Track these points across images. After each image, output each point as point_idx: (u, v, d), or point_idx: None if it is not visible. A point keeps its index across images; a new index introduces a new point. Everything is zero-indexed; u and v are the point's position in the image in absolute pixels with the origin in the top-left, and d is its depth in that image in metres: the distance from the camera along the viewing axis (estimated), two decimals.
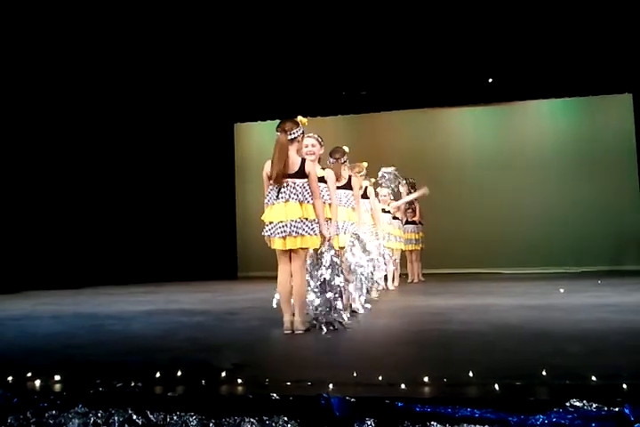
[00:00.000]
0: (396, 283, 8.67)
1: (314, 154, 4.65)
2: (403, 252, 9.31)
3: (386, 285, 8.09)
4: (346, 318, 4.12)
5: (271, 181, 4.18)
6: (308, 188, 4.16)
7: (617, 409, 2.00)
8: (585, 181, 12.78)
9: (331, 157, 5.36)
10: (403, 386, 2.31)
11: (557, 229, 12.69)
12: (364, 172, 6.58)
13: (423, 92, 12.27)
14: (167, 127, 12.92)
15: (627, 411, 2.00)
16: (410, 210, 10.04)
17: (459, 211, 13.16)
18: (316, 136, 4.74)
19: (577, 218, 12.64)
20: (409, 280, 9.80)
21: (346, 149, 5.54)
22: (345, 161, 5.44)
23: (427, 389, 2.31)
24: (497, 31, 9.99)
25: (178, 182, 13.05)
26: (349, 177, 5.58)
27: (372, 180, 7.98)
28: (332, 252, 4.20)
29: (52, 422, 2.35)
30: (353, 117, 13.48)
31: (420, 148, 13.73)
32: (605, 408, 2.01)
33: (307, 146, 4.63)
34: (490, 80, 11.77)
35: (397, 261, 8.76)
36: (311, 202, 4.15)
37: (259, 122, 13.87)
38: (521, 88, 11.95)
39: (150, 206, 12.54)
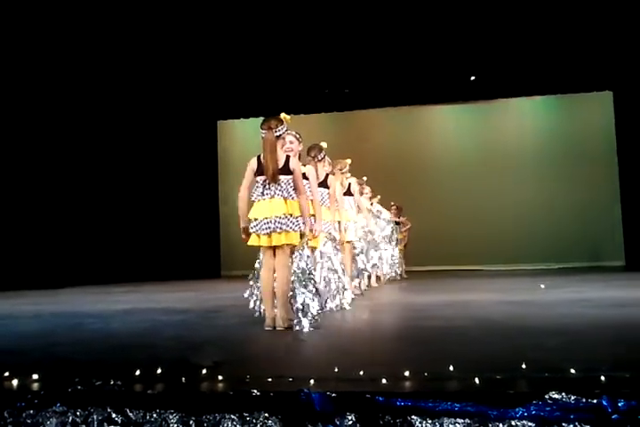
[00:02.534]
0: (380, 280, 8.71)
1: (292, 151, 4.64)
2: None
3: (369, 282, 8.12)
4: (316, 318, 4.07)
5: (257, 178, 4.18)
6: (292, 184, 4.17)
7: (595, 401, 2.01)
8: (565, 178, 12.90)
9: (307, 155, 5.29)
10: (384, 381, 2.31)
11: (538, 226, 12.81)
12: (347, 168, 6.55)
13: (406, 90, 12.31)
14: (149, 125, 12.83)
15: (604, 402, 2.02)
16: (394, 207, 10.06)
17: (440, 208, 13.22)
18: (293, 133, 4.74)
19: (557, 215, 12.77)
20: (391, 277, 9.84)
21: (323, 144, 5.46)
22: (322, 158, 5.35)
23: (408, 383, 2.31)
24: (479, 29, 10.04)
25: (160, 180, 12.96)
26: (326, 175, 5.54)
27: (365, 178, 7.98)
28: (307, 251, 4.20)
29: (29, 421, 2.31)
30: (336, 115, 13.49)
31: (403, 145, 13.77)
32: (584, 400, 2.02)
33: (285, 143, 4.63)
34: (472, 78, 11.84)
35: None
36: (296, 198, 4.16)
37: (241, 119, 13.83)
38: (502, 86, 12.03)
39: (132, 205, 12.44)
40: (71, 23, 9.49)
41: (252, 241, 4.18)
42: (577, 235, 12.53)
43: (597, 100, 12.77)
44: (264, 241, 4.10)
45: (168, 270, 12.17)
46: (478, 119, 13.89)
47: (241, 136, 14.08)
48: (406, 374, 2.37)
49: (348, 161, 6.61)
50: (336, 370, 2.48)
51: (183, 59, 11.00)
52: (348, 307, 5.31)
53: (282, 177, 4.14)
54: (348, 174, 6.72)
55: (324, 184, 5.46)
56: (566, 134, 13.17)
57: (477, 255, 12.74)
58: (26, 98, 10.52)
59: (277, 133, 4.20)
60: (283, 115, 4.37)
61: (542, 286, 6.81)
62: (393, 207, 10.25)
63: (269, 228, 4.06)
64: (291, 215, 4.10)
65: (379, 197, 9.18)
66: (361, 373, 2.42)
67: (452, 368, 2.42)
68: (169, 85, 12.05)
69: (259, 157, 4.23)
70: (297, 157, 4.76)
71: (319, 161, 5.28)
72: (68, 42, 10.02)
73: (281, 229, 4.06)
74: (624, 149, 12.04)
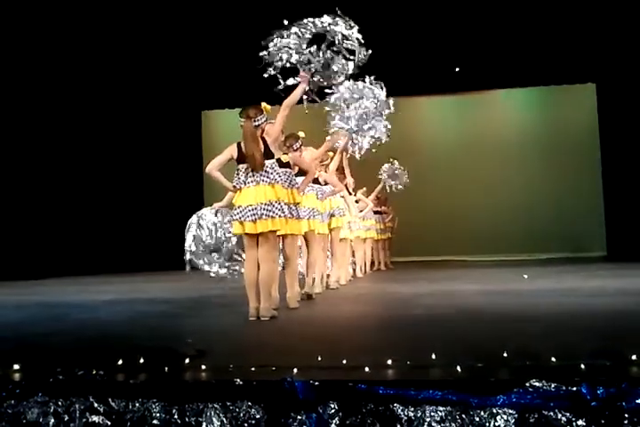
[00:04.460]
0: (365, 270, 8.74)
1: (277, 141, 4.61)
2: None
3: (354, 272, 8.14)
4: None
5: (239, 166, 4.14)
6: (277, 168, 4.14)
7: (575, 388, 2.04)
8: (548, 169, 13.00)
9: (284, 144, 5.21)
10: (366, 369, 2.32)
11: (521, 216, 12.91)
12: (328, 160, 6.52)
13: (389, 81, 12.26)
14: (133, 116, 12.70)
15: (584, 390, 2.04)
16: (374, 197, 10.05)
17: (425, 199, 13.26)
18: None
19: (540, 206, 12.87)
20: (375, 268, 9.88)
21: (301, 134, 5.39)
22: (298, 148, 5.26)
23: (390, 372, 2.33)
24: (464, 21, 10.05)
25: (145, 171, 12.86)
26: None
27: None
28: None
29: (10, 411, 2.30)
30: (319, 106, 13.42)
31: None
32: (564, 388, 2.05)
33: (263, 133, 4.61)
34: (457, 69, 11.85)
35: (367, 249, 8.84)
36: (280, 182, 4.11)
37: (226, 109, 13.71)
38: (487, 77, 12.06)
39: (117, 196, 12.34)
40: (55, 15, 9.38)
41: (236, 229, 4.15)
42: (560, 226, 12.65)
43: (580, 92, 12.85)
44: (249, 228, 4.05)
45: (154, 261, 12.10)
46: (462, 111, 13.92)
47: (225, 126, 13.98)
48: (388, 362, 2.38)
49: (330, 154, 6.57)
50: (319, 359, 2.49)
51: (166, 47, 10.89)
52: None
53: (266, 162, 4.11)
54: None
55: (303, 172, 5.40)
56: (550, 126, 13.24)
57: (461, 246, 12.81)
58: (10, 90, 10.37)
59: (257, 123, 4.15)
60: (263, 104, 4.31)
61: (525, 277, 6.87)
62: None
63: (255, 215, 4.01)
64: (276, 201, 4.06)
65: (364, 188, 9.17)
66: (344, 361, 2.43)
67: (434, 357, 2.44)
68: (152, 74, 11.93)
69: (239, 144, 4.19)
70: (279, 146, 4.74)
71: (295, 150, 5.19)
72: (51, 31, 9.90)
73: (267, 215, 4.02)
74: (606, 141, 12.15)
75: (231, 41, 10.63)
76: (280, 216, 4.07)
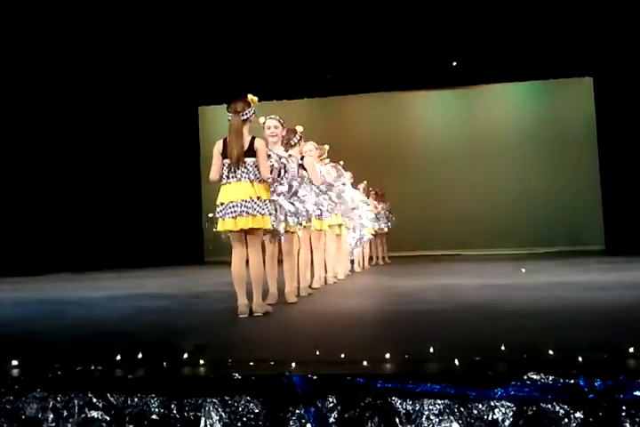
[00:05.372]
0: (363, 265, 8.75)
1: (276, 136, 4.60)
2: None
3: (352, 267, 8.15)
4: None
5: (223, 161, 4.09)
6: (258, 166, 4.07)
7: (572, 381, 2.04)
8: (546, 163, 13.01)
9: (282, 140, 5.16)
10: (365, 363, 2.32)
11: (519, 210, 12.92)
12: (326, 155, 6.51)
13: (389, 76, 12.28)
14: (130, 111, 12.67)
15: (581, 383, 2.05)
16: (373, 193, 10.08)
17: (423, 194, 13.27)
18: (278, 117, 4.68)
19: (538, 199, 12.88)
20: (373, 263, 9.89)
21: (299, 128, 5.34)
22: (296, 142, 5.22)
23: (388, 365, 2.33)
24: (462, 15, 10.02)
25: (142, 167, 12.85)
26: (301, 157, 5.44)
27: (342, 162, 7.95)
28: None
29: (9, 407, 2.30)
30: (319, 100, 13.42)
31: (385, 130, 13.77)
32: (561, 380, 2.05)
33: (269, 128, 4.59)
34: (454, 63, 11.84)
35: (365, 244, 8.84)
36: (263, 180, 4.09)
37: (223, 105, 13.66)
38: (485, 72, 12.06)
39: (115, 192, 12.34)
40: (53, 12, 9.33)
41: (220, 226, 4.10)
42: (558, 219, 12.66)
43: (578, 86, 12.85)
44: (229, 225, 4.01)
45: (151, 257, 12.11)
46: (460, 105, 13.91)
47: (223, 122, 13.91)
48: (387, 356, 2.38)
49: (327, 147, 6.56)
50: (317, 353, 2.49)
51: (163, 42, 10.85)
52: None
53: (247, 159, 4.04)
54: (327, 160, 6.67)
55: (300, 167, 5.37)
56: (547, 120, 13.24)
57: (460, 240, 12.82)
58: (9, 85, 10.34)
59: (244, 117, 4.11)
60: (250, 96, 4.27)
61: (523, 271, 6.88)
62: (372, 193, 10.25)
63: (235, 211, 3.97)
64: (258, 198, 4.01)
65: (365, 182, 9.19)
66: (342, 355, 2.43)
67: (432, 350, 2.44)
68: (149, 70, 11.89)
69: (225, 140, 4.13)
70: (280, 141, 4.72)
71: (293, 146, 5.16)
72: (49, 28, 9.86)
73: (247, 213, 3.97)
74: (604, 135, 12.16)
75: (228, 36, 10.60)
76: (262, 214, 4.01)
